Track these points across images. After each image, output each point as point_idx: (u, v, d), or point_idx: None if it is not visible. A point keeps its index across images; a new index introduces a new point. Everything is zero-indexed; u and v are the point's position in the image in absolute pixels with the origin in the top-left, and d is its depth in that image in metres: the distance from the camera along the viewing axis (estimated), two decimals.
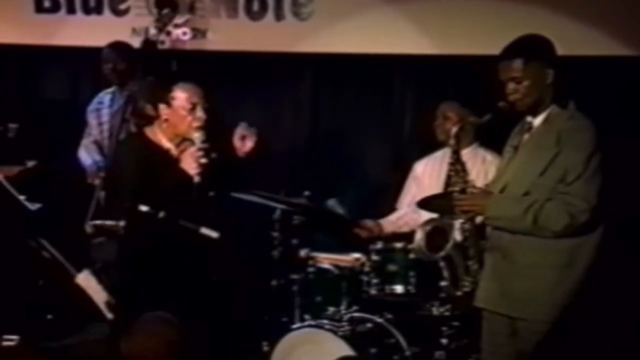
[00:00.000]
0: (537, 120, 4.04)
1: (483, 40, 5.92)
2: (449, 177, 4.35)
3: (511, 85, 3.99)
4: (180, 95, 4.68)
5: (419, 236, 4.48)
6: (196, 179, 4.57)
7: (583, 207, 3.85)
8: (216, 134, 4.85)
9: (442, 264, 4.45)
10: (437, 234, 4.42)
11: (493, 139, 4.60)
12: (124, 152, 4.89)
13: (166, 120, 4.70)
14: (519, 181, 3.99)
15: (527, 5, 6.01)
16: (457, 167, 4.26)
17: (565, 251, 3.91)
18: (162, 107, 4.69)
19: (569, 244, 3.91)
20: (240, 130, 4.88)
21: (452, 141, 4.33)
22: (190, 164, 4.58)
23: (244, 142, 4.86)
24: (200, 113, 4.65)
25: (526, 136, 4.07)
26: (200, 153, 4.59)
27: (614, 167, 3.99)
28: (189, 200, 4.50)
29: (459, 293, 4.27)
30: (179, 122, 4.66)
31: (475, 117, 4.29)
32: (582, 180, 3.87)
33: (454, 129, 4.33)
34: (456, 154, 4.29)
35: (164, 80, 4.86)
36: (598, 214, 3.90)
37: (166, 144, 4.72)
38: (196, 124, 4.65)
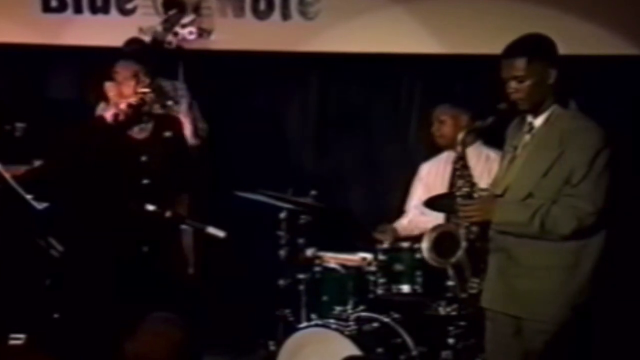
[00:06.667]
0: (539, 121, 3.98)
1: (491, 39, 5.90)
2: (454, 181, 4.30)
3: (513, 84, 3.94)
4: (123, 68, 5.07)
5: (426, 244, 4.43)
6: (108, 119, 4.92)
7: (590, 209, 3.81)
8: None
9: (449, 267, 4.42)
10: (444, 238, 4.38)
11: (496, 137, 4.56)
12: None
13: (111, 92, 5.05)
14: (522, 183, 3.94)
15: (535, 4, 6.00)
16: (464, 172, 4.21)
17: (571, 252, 3.88)
18: (108, 84, 4.93)
19: (574, 245, 3.88)
20: None
21: (458, 148, 4.25)
22: (110, 106, 4.96)
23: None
24: (143, 78, 5.01)
25: (527, 137, 4.02)
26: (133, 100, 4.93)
27: (621, 168, 3.97)
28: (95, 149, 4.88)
29: (464, 295, 4.25)
30: (125, 87, 5.00)
31: (480, 121, 4.23)
32: (588, 182, 3.82)
33: (460, 135, 4.25)
34: (462, 160, 4.25)
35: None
36: (604, 215, 3.86)
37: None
38: (140, 88, 4.99)
